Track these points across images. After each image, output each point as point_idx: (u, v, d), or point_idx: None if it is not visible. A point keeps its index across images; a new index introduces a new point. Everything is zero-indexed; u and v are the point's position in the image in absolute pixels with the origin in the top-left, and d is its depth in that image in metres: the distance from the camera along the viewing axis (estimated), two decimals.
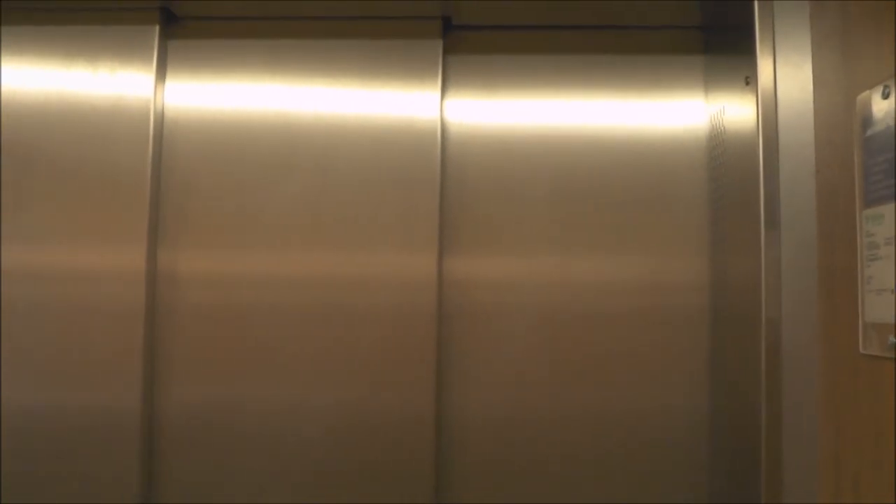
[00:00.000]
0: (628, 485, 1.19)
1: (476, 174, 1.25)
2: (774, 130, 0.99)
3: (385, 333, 1.20)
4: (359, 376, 1.20)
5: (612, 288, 1.22)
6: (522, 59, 1.27)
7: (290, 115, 1.25)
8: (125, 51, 1.24)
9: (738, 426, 1.07)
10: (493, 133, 1.26)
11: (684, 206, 1.22)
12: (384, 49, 1.25)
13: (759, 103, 0.99)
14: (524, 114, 1.26)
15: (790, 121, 0.99)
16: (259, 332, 1.21)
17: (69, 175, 1.22)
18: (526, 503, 1.19)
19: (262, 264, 1.22)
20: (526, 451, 1.20)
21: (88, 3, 1.23)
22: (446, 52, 1.25)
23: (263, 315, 1.21)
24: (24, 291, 1.20)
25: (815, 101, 0.99)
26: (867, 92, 0.87)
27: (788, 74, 1.01)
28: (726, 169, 1.14)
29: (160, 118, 1.25)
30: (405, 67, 1.24)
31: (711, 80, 1.23)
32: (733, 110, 1.11)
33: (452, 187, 1.24)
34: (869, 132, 0.86)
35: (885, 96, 0.83)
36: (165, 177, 1.25)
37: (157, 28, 1.24)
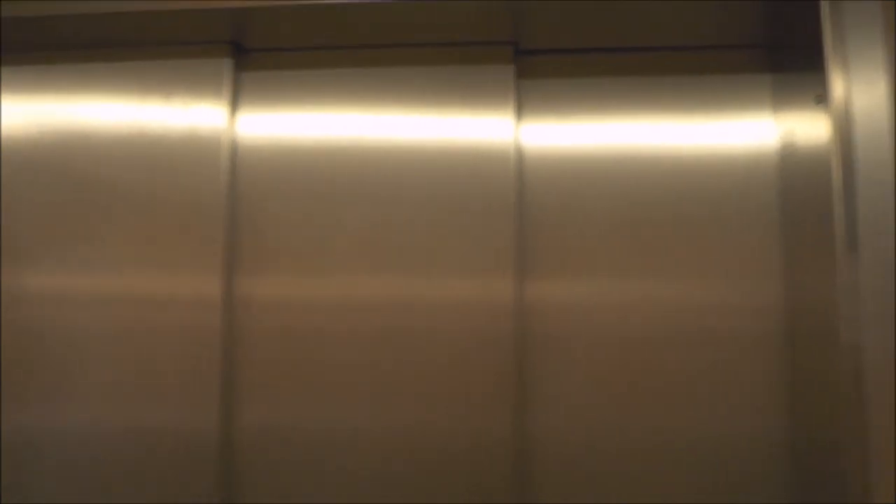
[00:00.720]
0: None
1: (550, 198, 1.26)
2: (849, 148, 0.98)
3: (463, 358, 1.21)
4: (435, 400, 1.21)
5: (686, 310, 1.21)
6: (590, 83, 1.28)
7: (362, 143, 1.27)
8: (198, 84, 1.28)
9: (819, 450, 1.06)
10: (564, 156, 1.27)
11: (757, 228, 1.21)
12: (456, 75, 1.27)
13: (833, 121, 0.98)
14: (594, 136, 1.27)
15: (865, 138, 0.98)
16: (332, 355, 1.23)
17: (147, 206, 1.26)
18: None
19: (335, 289, 1.25)
20: (607, 474, 1.20)
21: (162, 39, 1.28)
22: (517, 76, 1.27)
23: (337, 339, 1.23)
24: (106, 316, 1.25)
25: (892, 118, 0.98)
26: None
27: (862, 90, 0.99)
28: (799, 189, 1.13)
29: (233, 148, 1.29)
30: (478, 93, 1.26)
31: (780, 98, 1.22)
32: (804, 129, 1.09)
33: (527, 211, 1.25)
34: None
35: None
36: (240, 206, 1.28)
37: (227, 61, 1.28)
